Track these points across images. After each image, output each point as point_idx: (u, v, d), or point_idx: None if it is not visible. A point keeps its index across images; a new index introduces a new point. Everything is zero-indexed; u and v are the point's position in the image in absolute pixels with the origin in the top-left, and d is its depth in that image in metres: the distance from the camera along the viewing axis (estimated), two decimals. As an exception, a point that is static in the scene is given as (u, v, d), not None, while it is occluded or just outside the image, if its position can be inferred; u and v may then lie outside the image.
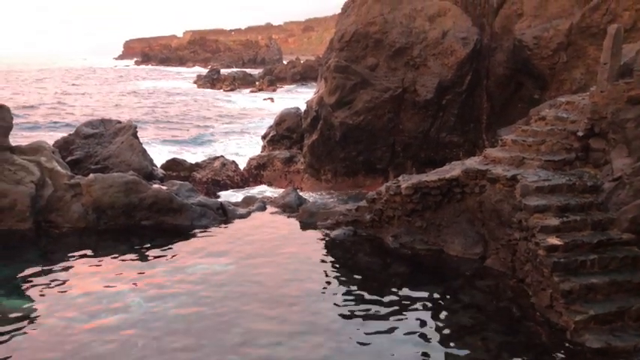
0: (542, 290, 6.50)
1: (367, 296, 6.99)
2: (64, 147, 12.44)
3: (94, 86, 61.67)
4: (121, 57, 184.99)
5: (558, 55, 12.59)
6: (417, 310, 6.61)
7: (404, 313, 6.54)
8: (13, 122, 10.50)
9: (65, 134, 14.03)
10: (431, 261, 8.21)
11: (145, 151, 12.86)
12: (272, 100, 43.95)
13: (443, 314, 6.53)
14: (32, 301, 6.77)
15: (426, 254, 8.39)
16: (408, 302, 6.80)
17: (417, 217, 8.65)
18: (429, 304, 6.75)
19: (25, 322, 6.19)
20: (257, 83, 58.84)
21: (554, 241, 6.52)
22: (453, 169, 8.55)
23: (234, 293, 6.97)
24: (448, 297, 7.02)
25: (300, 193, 11.77)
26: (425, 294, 7.02)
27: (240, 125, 31.50)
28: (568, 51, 12.49)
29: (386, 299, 6.90)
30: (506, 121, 13.13)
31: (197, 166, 15.44)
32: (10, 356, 5.52)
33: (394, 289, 7.21)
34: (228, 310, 6.53)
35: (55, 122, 30.51)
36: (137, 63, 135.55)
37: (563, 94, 11.50)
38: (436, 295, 7.00)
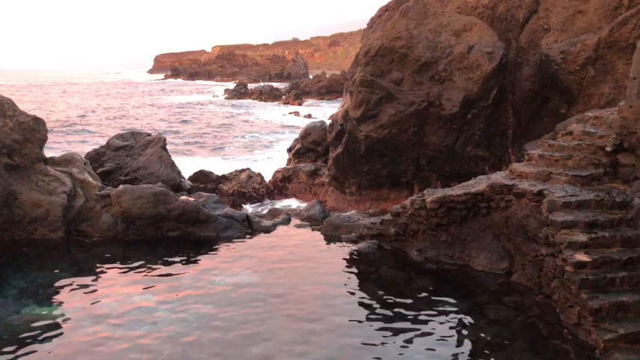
0: (570, 307, 6.39)
1: (391, 310, 6.97)
2: (95, 158, 12.78)
3: (139, 99, 63.09)
4: (151, 71, 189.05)
5: (586, 70, 12.44)
6: (441, 324, 6.56)
7: (428, 327, 6.50)
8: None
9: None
10: (456, 275, 8.16)
11: (173, 163, 13.12)
12: (298, 113, 44.30)
13: (468, 329, 6.47)
14: (62, 309, 6.94)
15: (451, 269, 8.34)
16: (433, 317, 6.76)
17: (442, 231, 8.62)
18: (454, 319, 6.70)
19: (55, 330, 6.34)
20: (283, 97, 59.42)
21: (582, 257, 6.42)
22: (478, 184, 8.51)
23: (259, 305, 7.03)
24: (473, 312, 6.95)
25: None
26: (450, 309, 6.97)
27: (266, 138, 31.81)
28: (596, 65, 12.34)
29: (410, 313, 6.87)
30: (532, 136, 12.99)
31: (224, 178, 15.65)
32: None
33: (419, 304, 7.18)
34: (253, 322, 6.59)
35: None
36: (167, 77, 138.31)
37: (591, 108, 11.34)
38: (461, 310, 6.95)
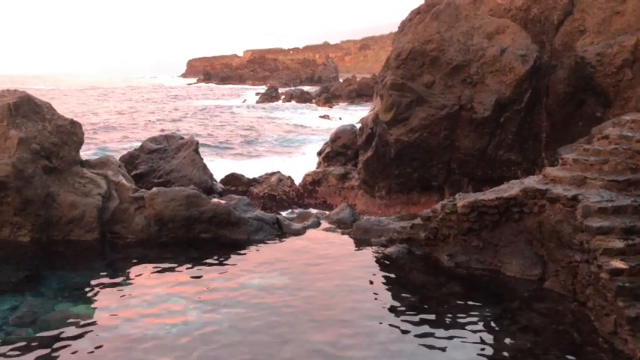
0: (606, 315, 6.22)
1: (421, 315, 6.91)
2: (129, 161, 13.07)
3: (173, 103, 64.35)
4: (184, 75, 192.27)
5: (623, 72, 12.09)
6: (473, 330, 6.47)
7: (459, 333, 6.42)
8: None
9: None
10: (487, 281, 8.03)
11: (205, 166, 13.31)
12: (328, 116, 44.38)
13: (500, 336, 6.37)
14: (96, 308, 7.12)
15: (482, 274, 8.22)
16: (464, 322, 6.67)
17: (474, 236, 8.50)
18: (486, 325, 6.60)
19: (88, 328, 6.51)
20: (313, 101, 59.63)
21: (618, 264, 6.25)
22: (511, 188, 8.37)
23: (288, 308, 7.07)
24: (505, 318, 6.83)
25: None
26: (481, 315, 6.87)
27: (296, 141, 31.96)
28: (633, 68, 11.98)
29: (441, 319, 6.80)
30: (566, 140, 12.68)
31: (254, 181, 15.78)
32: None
33: (449, 309, 7.10)
34: (282, 324, 6.63)
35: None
36: (199, 81, 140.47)
37: (628, 112, 11.01)
38: (493, 316, 6.84)
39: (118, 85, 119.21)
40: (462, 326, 6.58)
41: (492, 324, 6.64)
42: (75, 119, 11.05)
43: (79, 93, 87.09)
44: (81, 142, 10.80)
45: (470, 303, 7.27)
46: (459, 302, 7.34)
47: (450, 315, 6.91)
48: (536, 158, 13.87)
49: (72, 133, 10.58)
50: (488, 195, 8.46)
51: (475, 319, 6.75)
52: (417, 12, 17.19)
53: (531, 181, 8.30)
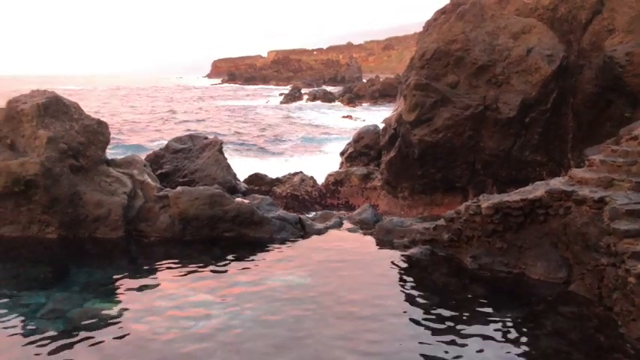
0: (633, 321, 6.07)
1: (444, 317, 6.84)
2: (154, 161, 13.26)
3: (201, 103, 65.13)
4: (209, 75, 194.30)
5: (654, 72, 11.81)
6: (496, 333, 6.38)
7: (482, 336, 6.33)
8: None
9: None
10: (511, 284, 7.92)
11: (229, 166, 13.43)
12: (350, 117, 44.33)
13: (524, 339, 6.26)
14: (121, 305, 7.23)
15: (506, 277, 8.10)
16: (488, 325, 6.59)
17: (498, 238, 8.39)
18: (509, 329, 6.50)
19: (113, 325, 6.62)
20: (337, 101, 59.64)
21: (647, 268, 6.09)
22: (536, 190, 8.24)
23: (311, 307, 7.07)
24: (529, 322, 6.73)
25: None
26: (505, 317, 6.77)
27: (318, 141, 32.01)
28: (665, 67, 11.70)
29: (464, 321, 6.73)
30: (593, 141, 12.41)
31: (277, 181, 15.86)
32: (98, 357, 5.91)
33: (472, 311, 7.02)
34: (304, 323, 6.64)
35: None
36: (224, 81, 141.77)
37: (660, 112, 10.76)
38: (517, 320, 6.74)
39: (144, 86, 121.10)
40: (485, 329, 6.50)
41: (516, 327, 6.54)
42: (101, 119, 11.27)
43: (107, 93, 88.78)
44: (107, 142, 11.00)
45: (493, 305, 7.18)
46: (482, 305, 7.25)
47: (473, 317, 6.83)
48: (561, 159, 13.63)
49: (98, 132, 10.78)
50: (513, 196, 8.34)
51: (499, 321, 6.66)
52: (442, 12, 17.06)
53: (557, 183, 8.16)
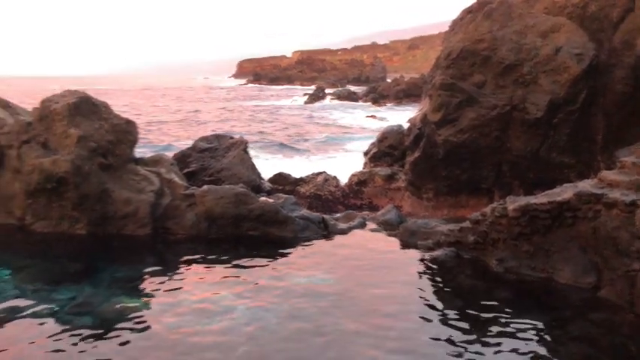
0: (666, 328, 5.93)
1: (469, 320, 6.78)
2: (181, 160, 13.45)
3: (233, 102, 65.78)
4: (234, 76, 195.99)
5: (689, 71, 11.49)
6: (522, 338, 6.29)
7: (508, 341, 6.25)
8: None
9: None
10: (538, 288, 7.79)
11: (254, 165, 13.55)
12: (374, 116, 44.20)
13: (551, 345, 6.17)
14: (147, 301, 7.34)
15: (532, 280, 7.98)
16: (513, 330, 6.50)
17: (524, 241, 8.27)
18: (536, 334, 6.40)
19: (140, 321, 6.72)
20: (360, 101, 59.51)
21: (680, 274, 5.93)
22: (564, 192, 8.09)
23: (333, 308, 7.08)
24: (557, 327, 6.62)
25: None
26: (531, 322, 6.67)
27: (342, 141, 32.00)
28: (701, 66, 11.36)
29: (489, 325, 6.65)
30: (624, 142, 12.12)
31: (301, 180, 15.93)
32: (125, 351, 6.03)
33: (498, 315, 6.93)
34: (326, 324, 6.64)
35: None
36: (249, 82, 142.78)
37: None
38: (543, 325, 6.63)
39: (172, 86, 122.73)
40: (511, 333, 6.41)
41: (543, 332, 6.44)
42: (129, 118, 11.47)
43: (134, 93, 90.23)
44: (135, 141, 11.19)
45: (519, 310, 7.08)
46: (508, 308, 7.16)
47: (498, 321, 6.75)
48: (591, 161, 13.36)
49: (127, 131, 10.97)
50: (540, 199, 8.21)
51: (525, 326, 6.56)
52: (468, 11, 16.90)
53: (586, 185, 8.00)
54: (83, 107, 10.58)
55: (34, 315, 6.82)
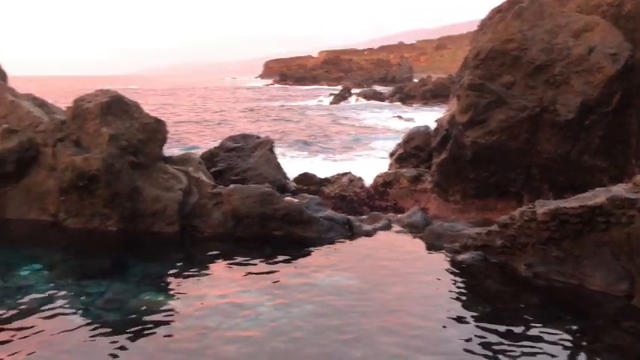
0: (703, 338, 5.74)
1: (496, 326, 6.68)
2: (209, 159, 13.61)
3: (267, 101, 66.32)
4: (261, 76, 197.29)
5: None
6: (551, 346, 6.16)
7: (536, 348, 6.14)
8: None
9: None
10: (568, 294, 7.64)
11: (279, 165, 13.63)
12: (400, 117, 43.93)
13: (581, 354, 6.04)
14: (174, 297, 7.46)
15: (562, 287, 7.82)
16: (542, 337, 6.38)
17: (554, 246, 8.11)
18: (566, 342, 6.27)
19: (167, 317, 6.84)
20: (386, 101, 59.22)
21: None
22: (596, 196, 7.90)
23: (358, 310, 7.07)
24: (587, 335, 6.48)
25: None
26: (561, 330, 6.53)
27: (367, 141, 31.89)
28: None
29: (517, 331, 6.55)
30: (661, 146, 11.82)
31: (326, 180, 15.92)
32: (153, 349, 6.12)
33: (526, 321, 6.82)
34: (351, 324, 6.65)
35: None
36: (275, 82, 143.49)
37: None
38: (574, 333, 6.50)
39: (199, 86, 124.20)
40: (540, 340, 6.30)
41: (573, 341, 6.31)
42: (159, 117, 11.65)
43: (163, 93, 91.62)
44: (164, 140, 11.36)
45: (548, 316, 6.95)
46: (536, 315, 7.04)
47: (526, 327, 6.63)
48: (625, 165, 13.01)
49: (156, 130, 11.15)
50: (571, 203, 8.04)
51: (554, 334, 6.43)
52: (497, 10, 16.66)
53: (620, 190, 7.80)
54: (115, 106, 10.80)
55: (66, 309, 7.00)
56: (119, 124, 10.67)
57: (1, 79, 12.45)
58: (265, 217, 10.24)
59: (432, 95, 58.71)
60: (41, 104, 12.14)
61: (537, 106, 13.11)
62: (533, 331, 6.51)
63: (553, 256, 8.10)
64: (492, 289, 8.03)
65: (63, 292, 7.51)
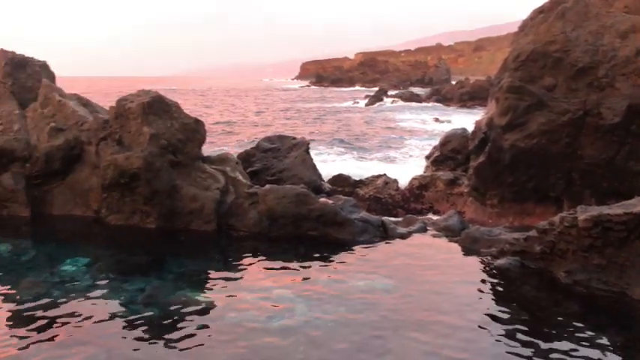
0: None
1: (533, 334, 6.53)
2: (245, 159, 13.79)
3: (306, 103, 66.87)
4: (297, 77, 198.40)
5: None
6: (591, 356, 6.00)
7: (574, 358, 5.97)
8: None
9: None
10: (610, 304, 7.40)
11: (315, 166, 13.69)
12: (437, 119, 43.44)
13: (623, 365, 5.85)
14: (210, 295, 7.59)
15: (604, 295, 7.58)
16: (582, 346, 6.20)
17: (596, 253, 7.88)
18: (607, 352, 6.07)
19: (203, 314, 6.96)
20: (423, 103, 58.65)
21: None
22: (642, 203, 7.65)
23: (391, 312, 7.04)
24: (631, 348, 6.27)
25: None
26: (602, 340, 6.35)
27: (403, 143, 31.65)
28: None
29: (556, 340, 6.39)
30: None
31: (361, 182, 15.89)
32: (189, 344, 6.24)
33: (565, 330, 6.65)
34: (385, 327, 6.62)
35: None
36: (311, 83, 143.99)
37: None
38: (614, 343, 6.30)
39: (237, 87, 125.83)
40: (579, 350, 6.12)
41: (614, 351, 6.11)
42: (198, 118, 11.88)
43: (203, 93, 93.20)
44: (203, 139, 11.58)
45: (589, 325, 6.76)
46: (576, 324, 6.85)
47: (565, 336, 6.47)
48: (673, 171, 12.52)
49: (196, 130, 11.37)
50: (615, 209, 7.79)
51: (594, 343, 6.25)
52: (539, 11, 16.25)
53: (667, 197, 7.53)
54: (156, 106, 11.07)
55: (107, 303, 7.22)
56: (160, 124, 10.92)
57: (50, 80, 12.93)
58: (300, 217, 10.30)
59: (470, 97, 57.82)
60: (86, 103, 12.56)
61: (580, 109, 12.76)
62: (571, 340, 6.34)
63: (594, 263, 7.87)
64: (530, 296, 7.86)
65: (104, 287, 7.75)
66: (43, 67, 13.40)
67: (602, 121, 12.52)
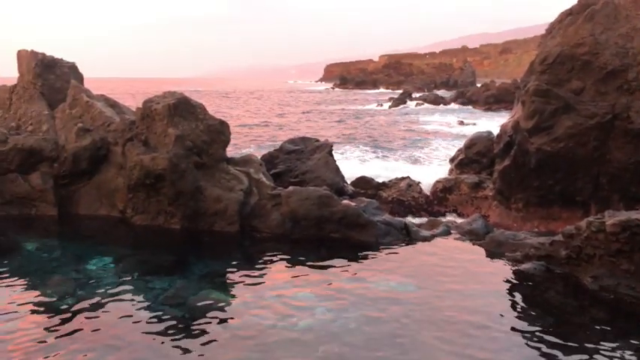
0: None
1: (558, 340, 6.42)
2: (269, 160, 13.88)
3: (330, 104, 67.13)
4: (321, 79, 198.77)
5: None
6: (618, 363, 5.89)
7: (602, 364, 5.88)
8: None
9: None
10: (638, 310, 7.24)
11: (338, 168, 13.70)
12: (462, 122, 43.02)
13: (650, 373, 5.72)
14: (233, 295, 7.67)
15: (632, 302, 7.42)
16: (607, 353, 6.08)
17: (624, 258, 7.72)
18: (633, 359, 5.96)
19: (225, 314, 7.02)
20: (447, 106, 58.15)
21: None
22: (672, 209, 7.46)
23: (413, 314, 7.01)
24: (658, 354, 6.12)
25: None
26: (628, 346, 6.21)
27: (426, 146, 31.42)
28: None
29: (580, 346, 6.27)
30: None
31: (383, 185, 15.84)
32: (211, 342, 6.31)
33: (591, 336, 6.53)
34: (407, 330, 6.59)
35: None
36: (335, 85, 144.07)
37: None
38: (642, 350, 6.16)
39: (262, 89, 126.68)
40: (604, 357, 6.01)
41: (642, 358, 5.99)
42: (223, 119, 12.00)
43: (224, 95, 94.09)
44: (228, 141, 11.69)
45: (616, 332, 6.62)
46: (602, 330, 6.72)
47: (590, 342, 6.35)
48: None
49: (220, 132, 11.49)
50: (644, 214, 7.62)
51: (623, 350, 6.12)
52: (567, 13, 15.99)
53: (699, 202, 7.33)
54: (181, 108, 11.22)
55: (131, 302, 7.33)
56: (185, 125, 11.07)
57: (78, 81, 13.23)
58: (322, 219, 10.32)
59: (495, 100, 57.08)
60: (113, 104, 12.81)
61: (608, 113, 12.52)
62: (597, 347, 6.22)
63: (622, 269, 7.71)
64: (555, 301, 7.73)
65: (129, 286, 7.88)
66: (72, 68, 13.71)
67: (631, 125, 12.26)
